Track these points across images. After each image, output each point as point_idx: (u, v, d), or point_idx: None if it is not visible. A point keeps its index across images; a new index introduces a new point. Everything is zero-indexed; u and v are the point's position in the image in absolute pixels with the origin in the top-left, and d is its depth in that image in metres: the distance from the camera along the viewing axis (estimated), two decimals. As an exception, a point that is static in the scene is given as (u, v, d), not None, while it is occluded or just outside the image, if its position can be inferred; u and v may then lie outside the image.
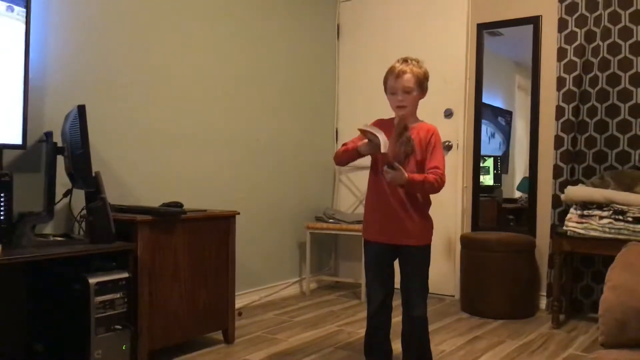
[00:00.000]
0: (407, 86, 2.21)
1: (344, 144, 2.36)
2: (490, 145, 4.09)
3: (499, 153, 4.15)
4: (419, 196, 2.26)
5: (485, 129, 4.02)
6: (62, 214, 2.62)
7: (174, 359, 2.61)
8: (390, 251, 2.31)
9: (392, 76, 2.26)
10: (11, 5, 2.28)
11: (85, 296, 2.17)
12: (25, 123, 2.34)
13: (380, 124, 2.27)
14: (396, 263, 2.35)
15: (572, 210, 3.22)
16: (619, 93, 3.41)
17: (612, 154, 3.45)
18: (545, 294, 3.65)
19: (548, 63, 3.69)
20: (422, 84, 2.25)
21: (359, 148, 2.22)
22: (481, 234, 3.68)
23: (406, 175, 2.12)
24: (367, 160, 2.37)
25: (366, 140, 2.17)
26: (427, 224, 2.30)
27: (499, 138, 4.14)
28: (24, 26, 2.33)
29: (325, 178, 4.45)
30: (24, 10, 2.32)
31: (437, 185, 2.17)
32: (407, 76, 2.22)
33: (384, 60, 2.35)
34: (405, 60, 2.27)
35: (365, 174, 2.41)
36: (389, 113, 2.35)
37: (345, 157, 2.33)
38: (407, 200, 2.23)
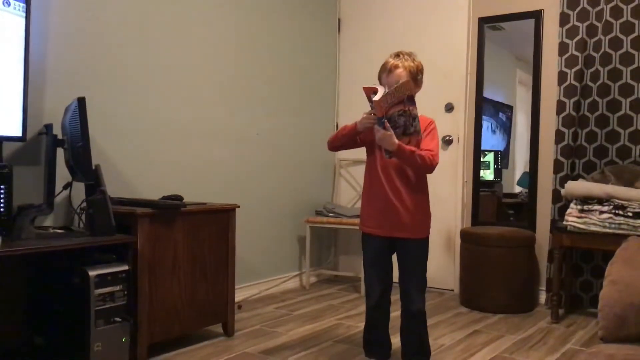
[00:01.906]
0: (398, 81, 2.19)
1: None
2: (492, 140, 4.09)
3: (501, 148, 4.15)
4: (417, 188, 2.25)
5: (489, 124, 4.02)
6: (62, 207, 2.62)
7: (173, 351, 2.62)
8: (388, 245, 2.30)
9: (384, 72, 2.25)
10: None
11: (85, 289, 2.17)
12: (25, 115, 2.33)
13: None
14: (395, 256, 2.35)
15: (572, 205, 3.23)
16: (620, 88, 3.41)
17: (612, 149, 3.44)
18: (544, 288, 3.65)
19: (549, 57, 3.68)
20: (415, 77, 2.23)
21: (358, 124, 2.19)
22: (481, 229, 3.68)
23: (396, 139, 2.07)
24: (365, 153, 2.36)
25: (365, 115, 2.14)
26: (425, 217, 2.29)
27: (499, 133, 4.13)
28: (23, 19, 2.32)
29: (325, 172, 4.45)
30: (24, 5, 2.31)
31: (429, 162, 2.15)
32: (399, 71, 2.21)
33: (384, 54, 2.34)
34: (397, 55, 2.25)
35: (365, 167, 2.41)
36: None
37: (341, 136, 2.31)
38: (404, 193, 2.23)
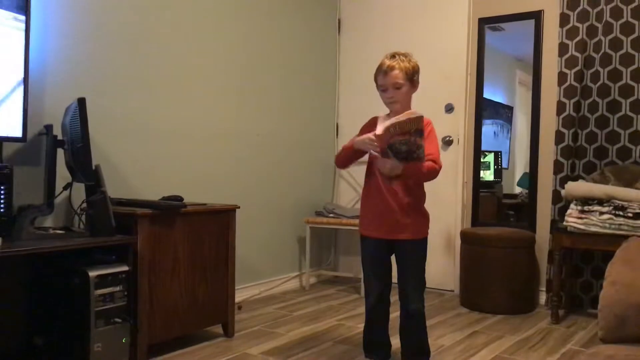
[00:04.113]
0: (395, 82, 2.21)
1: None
2: (502, 144, 4.10)
3: (506, 150, 4.16)
4: (414, 190, 2.26)
5: (496, 128, 4.03)
6: (62, 207, 2.62)
7: (173, 352, 2.62)
8: (387, 246, 2.31)
9: (380, 73, 2.25)
10: None
11: (85, 289, 2.17)
12: (25, 116, 2.33)
13: (374, 121, 2.25)
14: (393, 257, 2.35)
15: (572, 205, 3.22)
16: (620, 88, 3.41)
17: (612, 150, 3.44)
18: (544, 289, 3.65)
19: (549, 58, 3.68)
20: (411, 78, 2.24)
21: (355, 143, 2.22)
22: (481, 229, 3.68)
23: (400, 166, 2.14)
24: (367, 156, 2.36)
25: (361, 136, 2.18)
26: (423, 218, 2.30)
27: (505, 136, 4.14)
28: (24, 17, 2.32)
29: (325, 173, 4.45)
30: (24, 4, 2.32)
31: (435, 172, 2.18)
32: (395, 72, 2.21)
33: (384, 54, 2.34)
34: (393, 56, 2.26)
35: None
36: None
37: (343, 155, 2.35)
38: (402, 195, 2.23)
